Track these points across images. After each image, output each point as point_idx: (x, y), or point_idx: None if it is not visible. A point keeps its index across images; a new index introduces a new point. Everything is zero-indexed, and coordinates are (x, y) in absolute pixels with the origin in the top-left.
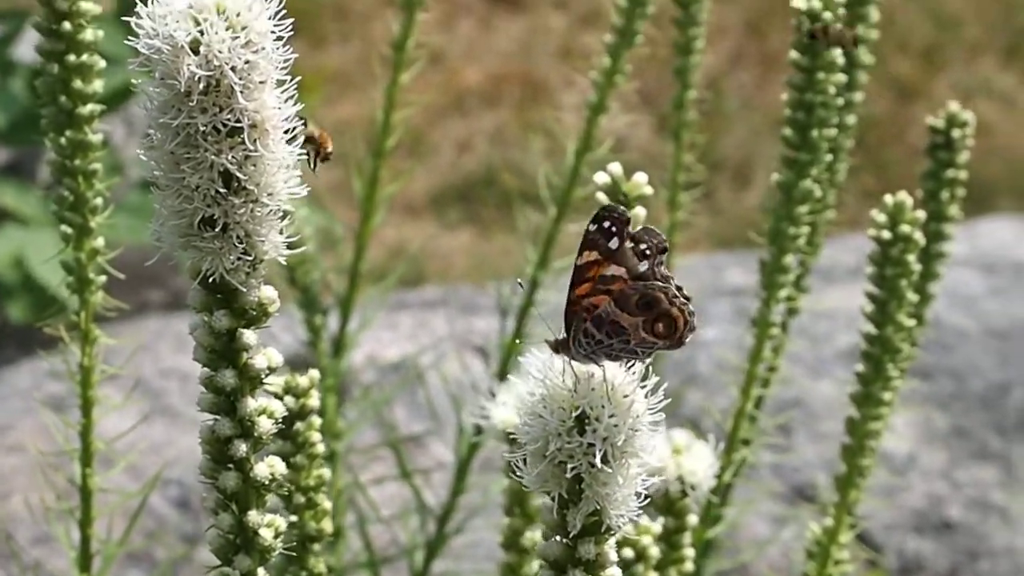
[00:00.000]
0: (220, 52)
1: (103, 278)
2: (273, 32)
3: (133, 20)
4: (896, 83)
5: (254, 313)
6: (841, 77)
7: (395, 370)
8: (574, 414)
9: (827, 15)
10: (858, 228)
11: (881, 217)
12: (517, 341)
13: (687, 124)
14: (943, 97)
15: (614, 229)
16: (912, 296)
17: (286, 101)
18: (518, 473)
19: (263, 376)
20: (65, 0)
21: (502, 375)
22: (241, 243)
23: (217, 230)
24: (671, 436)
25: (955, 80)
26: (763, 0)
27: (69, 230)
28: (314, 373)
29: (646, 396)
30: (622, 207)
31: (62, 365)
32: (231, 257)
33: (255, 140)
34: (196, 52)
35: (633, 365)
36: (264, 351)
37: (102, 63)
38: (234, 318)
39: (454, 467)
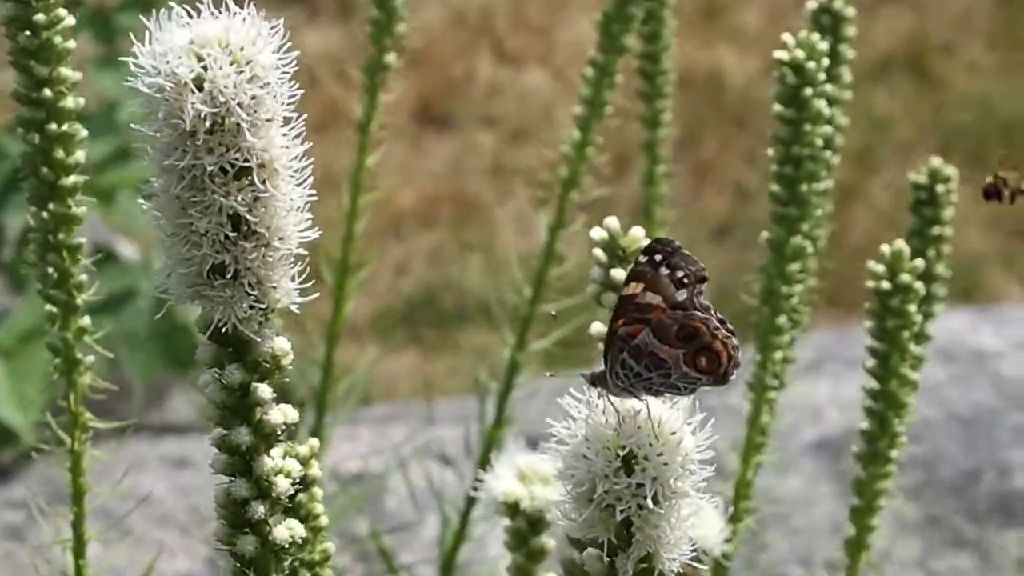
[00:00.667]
0: (225, 88)
1: (91, 358)
2: (278, 67)
3: (131, 60)
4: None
5: (268, 366)
6: (827, 129)
7: (356, 480)
8: (621, 454)
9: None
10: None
11: (879, 267)
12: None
13: (657, 199)
14: (879, 198)
15: (661, 259)
16: (915, 348)
17: (294, 140)
18: (562, 521)
19: (279, 433)
20: (44, 66)
21: (483, 463)
22: (253, 290)
23: (228, 277)
24: None
25: (890, 180)
26: (693, 114)
27: (54, 309)
28: (314, 441)
29: (693, 433)
30: (674, 240)
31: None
32: (243, 305)
33: (264, 180)
34: (200, 89)
35: (677, 401)
36: (279, 407)
37: (84, 132)
38: (247, 372)
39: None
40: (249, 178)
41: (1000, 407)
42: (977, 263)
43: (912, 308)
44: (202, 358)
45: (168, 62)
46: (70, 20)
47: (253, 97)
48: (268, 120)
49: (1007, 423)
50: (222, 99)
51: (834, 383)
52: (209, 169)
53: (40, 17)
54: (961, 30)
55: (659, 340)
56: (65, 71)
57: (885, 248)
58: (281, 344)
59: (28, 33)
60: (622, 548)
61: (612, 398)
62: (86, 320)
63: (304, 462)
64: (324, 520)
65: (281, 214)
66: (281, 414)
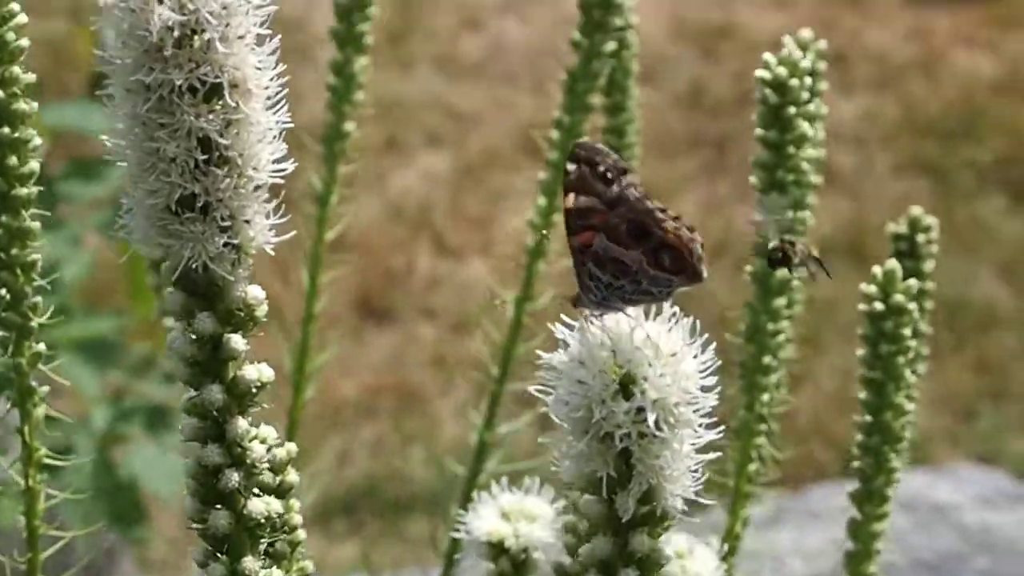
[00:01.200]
0: None
1: (46, 388)
2: None
3: None
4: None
5: (241, 315)
6: (812, 152)
7: None
8: (617, 376)
9: (798, 120)
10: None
11: (871, 288)
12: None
13: None
14: (825, 379)
15: (582, 160)
16: (911, 376)
17: (267, 61)
18: (557, 465)
19: (254, 391)
20: None
21: None
22: (226, 226)
23: (198, 211)
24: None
25: (835, 363)
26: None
27: (6, 333)
28: (291, 446)
29: (695, 356)
30: (594, 142)
31: None
32: (215, 241)
33: (236, 102)
34: None
35: (675, 321)
36: (253, 364)
37: (38, 140)
38: (219, 322)
39: None
40: (220, 99)
41: (964, 552)
42: (924, 439)
43: (907, 332)
44: (170, 307)
45: None
46: (23, 17)
47: (224, 7)
48: (240, 38)
49: (972, 567)
50: (191, 7)
51: (797, 533)
52: (178, 85)
53: None
54: (898, 214)
55: (615, 243)
56: (17, 71)
57: (877, 269)
58: (255, 292)
59: None
60: (622, 484)
61: (604, 318)
62: (41, 345)
63: (280, 469)
64: (302, 534)
65: (254, 140)
66: (256, 370)
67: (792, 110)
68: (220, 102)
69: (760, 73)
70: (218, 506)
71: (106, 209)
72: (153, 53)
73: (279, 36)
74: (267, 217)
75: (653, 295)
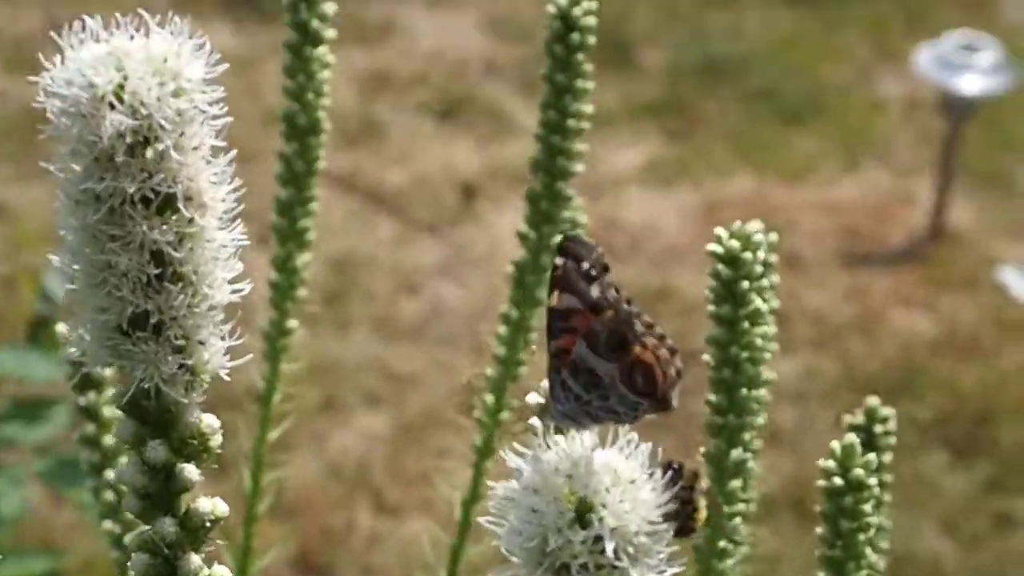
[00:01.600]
0: (147, 100)
1: None
2: (206, 83)
3: (44, 76)
4: None
5: (195, 444)
6: (768, 328)
7: None
8: (573, 503)
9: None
10: None
11: (829, 463)
12: None
13: None
14: None
15: (567, 256)
16: (871, 555)
17: (223, 175)
18: None
19: (207, 525)
20: None
21: None
22: (180, 346)
23: (150, 330)
24: None
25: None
26: None
27: None
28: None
29: (652, 488)
30: (579, 234)
31: None
32: (169, 363)
33: (191, 215)
34: (120, 100)
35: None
36: (207, 498)
37: None
38: (171, 451)
39: None
40: (175, 211)
41: None
42: None
43: (867, 508)
44: (120, 437)
45: (84, 73)
46: None
47: (179, 113)
48: (195, 148)
49: None
50: (144, 112)
51: None
52: (130, 194)
53: None
54: None
55: (592, 351)
56: None
57: (835, 444)
58: (209, 420)
59: None
60: None
61: (559, 442)
62: None
63: None
64: None
65: (209, 256)
66: (210, 504)
67: (746, 284)
68: (174, 215)
69: (711, 247)
70: None
71: (48, 454)
72: (104, 161)
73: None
74: (222, 339)
75: (619, 415)
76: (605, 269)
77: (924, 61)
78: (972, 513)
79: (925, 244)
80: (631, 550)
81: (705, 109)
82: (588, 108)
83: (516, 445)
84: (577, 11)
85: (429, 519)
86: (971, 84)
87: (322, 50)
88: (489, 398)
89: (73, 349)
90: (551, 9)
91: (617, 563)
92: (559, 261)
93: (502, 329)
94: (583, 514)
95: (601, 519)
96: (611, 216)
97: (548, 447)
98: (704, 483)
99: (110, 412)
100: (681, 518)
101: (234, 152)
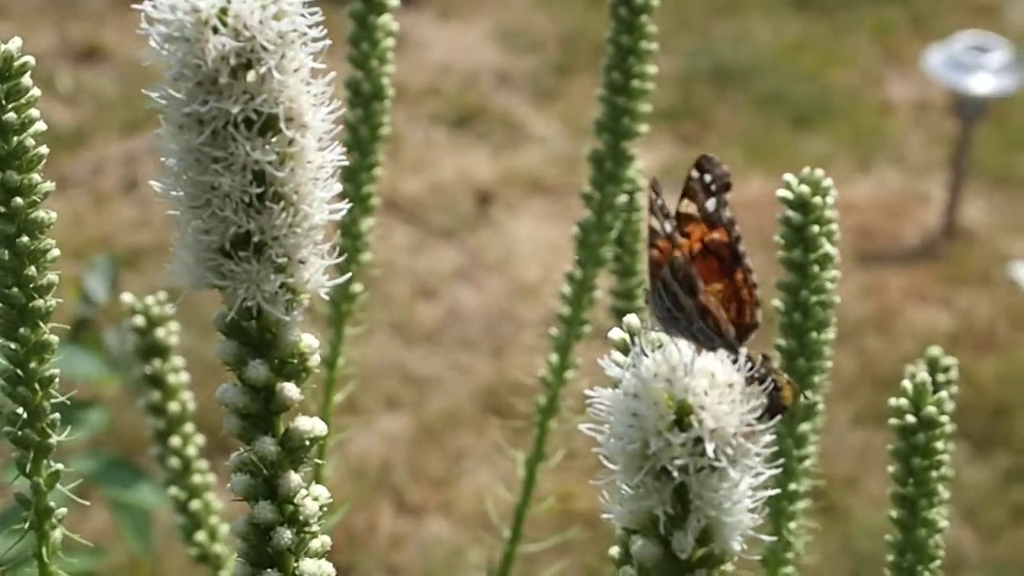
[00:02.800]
0: (250, 23)
1: (64, 510)
2: (305, 6)
3: (145, 5)
4: None
5: (295, 363)
6: (836, 272)
7: None
8: (673, 406)
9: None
10: None
11: (902, 401)
12: None
13: None
14: None
15: (700, 169)
16: (944, 492)
17: (323, 95)
18: (610, 511)
19: (307, 444)
20: (18, 174)
21: None
22: (281, 265)
23: (252, 250)
24: None
25: None
26: None
27: (24, 452)
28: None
29: (749, 390)
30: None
31: None
32: (271, 282)
33: (292, 136)
34: (224, 24)
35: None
36: (307, 417)
37: (57, 251)
38: (272, 371)
39: None
40: (276, 132)
41: None
42: None
43: (940, 445)
44: (223, 356)
45: None
46: (42, 124)
47: (280, 35)
48: (295, 70)
49: None
50: (247, 34)
51: None
52: (234, 116)
53: (11, 117)
54: (861, 464)
55: (674, 279)
56: (37, 178)
57: (907, 382)
58: (308, 339)
59: None
60: (679, 522)
61: (659, 337)
62: (59, 465)
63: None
64: None
65: (310, 176)
66: (310, 423)
67: (816, 228)
68: (276, 136)
69: (782, 192)
70: (270, 568)
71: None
72: (207, 84)
73: (332, 74)
74: (321, 259)
75: (699, 341)
76: (726, 188)
77: (934, 62)
78: (991, 504)
79: (939, 242)
80: (730, 451)
81: (717, 114)
82: (652, 69)
83: (616, 353)
84: None
85: (450, 519)
86: (982, 84)
87: (385, 18)
88: (554, 357)
89: (175, 271)
90: None
91: (716, 463)
92: (693, 173)
93: (566, 289)
94: (683, 416)
95: (700, 421)
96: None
97: (646, 354)
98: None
99: (175, 379)
100: (770, 397)
101: (333, 74)
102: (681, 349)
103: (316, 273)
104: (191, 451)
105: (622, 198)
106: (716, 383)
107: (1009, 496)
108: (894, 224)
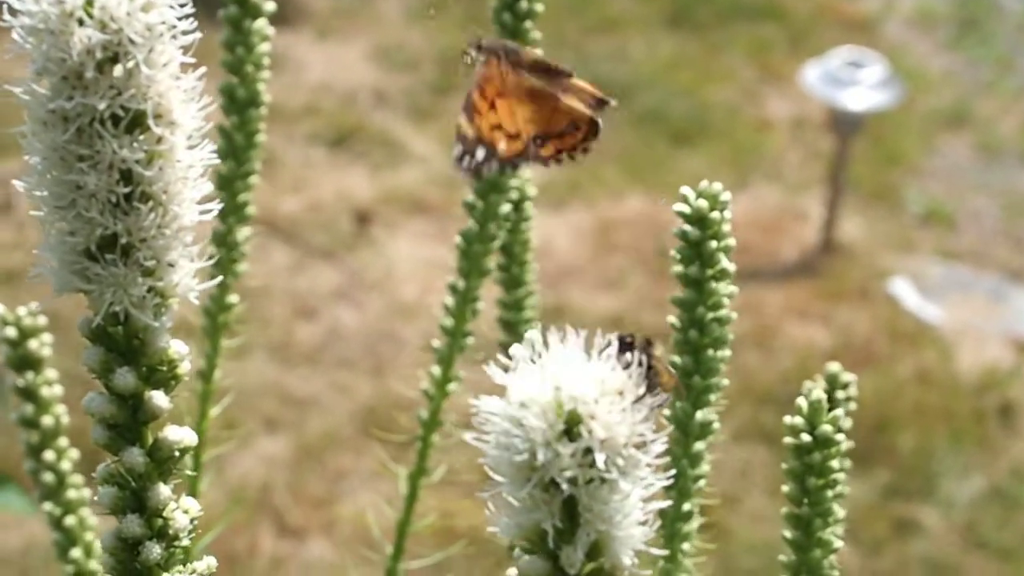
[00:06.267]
0: (117, 14)
1: None
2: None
3: None
4: None
5: (164, 371)
6: (733, 288)
7: None
8: (562, 415)
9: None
10: None
11: (797, 420)
12: None
13: None
14: None
15: None
16: (839, 512)
17: (192, 92)
18: (495, 524)
19: (176, 454)
20: None
21: None
22: (149, 268)
23: (119, 252)
24: None
25: None
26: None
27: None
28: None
29: (639, 399)
30: None
31: None
32: (139, 285)
33: (161, 133)
34: (90, 16)
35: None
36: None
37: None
38: (140, 378)
39: None
40: (144, 130)
41: None
42: None
43: (835, 464)
44: (88, 363)
45: None
46: None
47: (148, 28)
48: (164, 65)
49: None
50: (114, 27)
51: None
52: (100, 111)
53: None
54: (743, 480)
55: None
56: None
57: (802, 400)
58: (177, 346)
59: None
60: (568, 536)
61: (544, 357)
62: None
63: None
64: None
65: (179, 176)
66: (179, 432)
67: (713, 244)
68: (144, 133)
69: (679, 207)
70: None
71: None
72: (73, 79)
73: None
74: (191, 261)
75: None
76: None
77: (811, 78)
78: (872, 519)
79: (817, 258)
80: (620, 462)
81: None
82: None
83: (500, 359)
84: None
85: (332, 540)
86: (858, 100)
87: (261, 23)
88: (436, 370)
89: (38, 273)
90: None
91: (607, 475)
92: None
93: (449, 300)
94: (572, 426)
95: (591, 431)
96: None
97: (533, 361)
98: (659, 351)
99: (48, 392)
100: (649, 378)
101: (203, 69)
102: (571, 355)
103: (186, 277)
104: (65, 465)
105: (505, 208)
106: (606, 390)
107: (889, 511)
108: (772, 241)
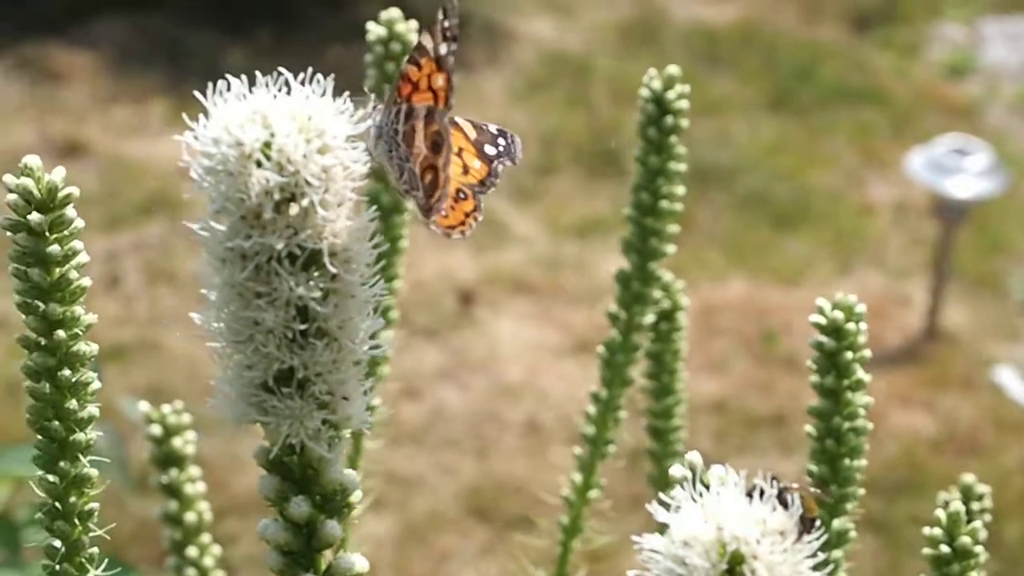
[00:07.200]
0: (294, 157)
1: None
2: (349, 139)
3: (189, 134)
4: None
5: (337, 498)
6: (869, 398)
7: None
8: (725, 556)
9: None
10: None
11: (936, 531)
12: None
13: None
14: None
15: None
16: None
17: (366, 229)
18: None
19: None
20: (60, 306)
21: None
22: (324, 402)
23: (295, 386)
24: None
25: None
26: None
27: None
28: None
29: (801, 539)
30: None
31: None
32: (314, 419)
33: (336, 270)
34: (268, 158)
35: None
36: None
37: (98, 383)
38: (314, 506)
39: None
40: (320, 267)
41: None
42: None
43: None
44: (264, 491)
45: (231, 132)
46: (85, 256)
47: (324, 170)
48: (339, 206)
49: None
50: (291, 169)
51: None
52: (278, 250)
53: (55, 249)
54: (854, 570)
55: (427, 126)
56: (79, 311)
57: (940, 511)
58: (350, 475)
59: (41, 269)
60: None
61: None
62: None
63: None
64: None
65: (353, 311)
66: (352, 558)
67: (849, 355)
68: (319, 270)
69: (815, 318)
70: None
71: None
72: (251, 219)
73: (374, 208)
74: (364, 394)
75: (399, 176)
76: (455, 38)
77: (915, 165)
78: None
79: (920, 345)
80: None
81: (697, 215)
82: (680, 190)
83: (664, 497)
84: (671, 94)
85: None
86: (963, 187)
87: None
88: (577, 477)
89: (216, 405)
90: (644, 93)
91: None
92: (439, 15)
93: (591, 408)
94: (735, 566)
95: (753, 571)
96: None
97: (694, 500)
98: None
99: (192, 490)
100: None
101: (375, 209)
102: (731, 495)
103: (359, 409)
104: (208, 562)
105: (649, 318)
106: (768, 530)
107: None
108: (875, 327)
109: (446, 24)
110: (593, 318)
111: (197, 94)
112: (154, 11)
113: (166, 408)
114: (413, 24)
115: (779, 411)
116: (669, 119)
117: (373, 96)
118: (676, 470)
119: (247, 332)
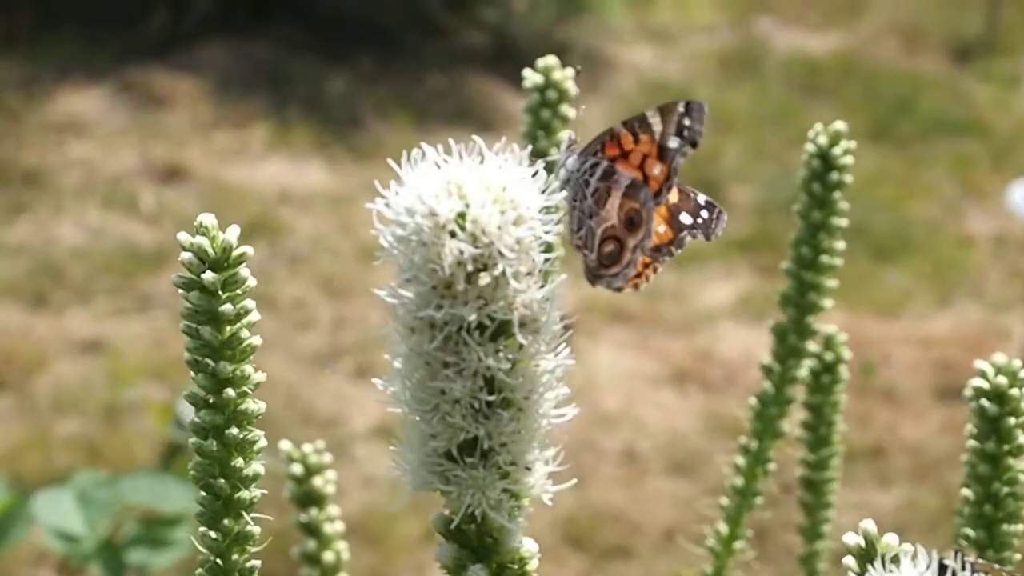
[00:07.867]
0: (489, 228)
1: None
2: (542, 210)
3: (380, 205)
4: None
5: (514, 568)
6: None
7: None
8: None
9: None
10: None
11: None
12: None
13: None
14: None
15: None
16: None
17: (553, 299)
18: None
19: None
20: (231, 364)
21: None
22: (507, 472)
23: (478, 457)
24: None
25: None
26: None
27: None
28: None
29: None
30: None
31: None
32: (496, 487)
33: (524, 341)
34: (462, 229)
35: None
36: None
37: (263, 441)
38: (491, 575)
39: None
40: (509, 337)
41: None
42: None
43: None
44: (441, 559)
45: (425, 201)
46: (256, 315)
47: (518, 241)
48: (528, 275)
49: None
50: (486, 240)
51: None
52: (468, 321)
53: (228, 308)
54: None
55: (629, 196)
56: (249, 369)
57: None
58: (529, 545)
59: (212, 327)
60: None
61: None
62: None
63: None
64: None
65: (540, 382)
66: None
67: (1012, 420)
68: (507, 340)
69: (977, 382)
70: None
71: None
72: (442, 289)
73: (563, 277)
74: (547, 464)
75: (576, 231)
76: (694, 143)
77: (1015, 197)
78: None
79: None
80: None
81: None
82: (841, 244)
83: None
84: (836, 150)
85: None
86: None
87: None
88: (723, 527)
89: (397, 471)
90: (809, 148)
91: None
92: (680, 108)
93: (740, 460)
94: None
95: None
96: (706, 350)
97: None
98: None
99: (331, 529)
100: None
101: (563, 277)
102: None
103: (541, 479)
104: None
105: (803, 372)
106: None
107: None
108: (974, 359)
109: (687, 122)
110: (695, 345)
111: (391, 162)
112: (257, 37)
113: (307, 447)
114: (570, 71)
115: (877, 443)
116: (834, 175)
117: (569, 136)
118: (850, 538)
119: (433, 401)
